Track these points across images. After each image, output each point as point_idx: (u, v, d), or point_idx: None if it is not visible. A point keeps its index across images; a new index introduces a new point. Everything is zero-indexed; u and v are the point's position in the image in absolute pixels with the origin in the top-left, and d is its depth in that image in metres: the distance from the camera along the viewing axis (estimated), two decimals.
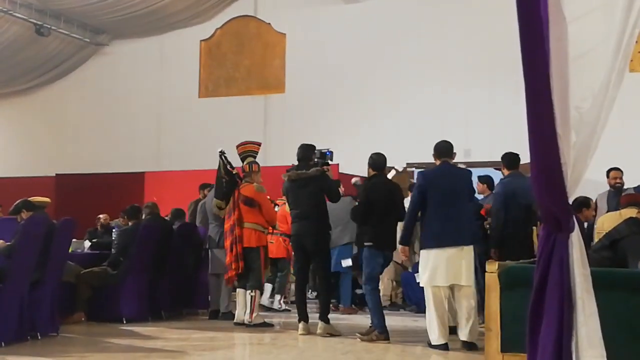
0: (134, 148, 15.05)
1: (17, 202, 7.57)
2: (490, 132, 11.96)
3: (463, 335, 6.38)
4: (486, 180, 8.55)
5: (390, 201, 6.98)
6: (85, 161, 15.03)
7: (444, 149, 6.78)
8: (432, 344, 6.40)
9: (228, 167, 8.10)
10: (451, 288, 6.46)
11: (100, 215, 11.07)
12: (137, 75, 15.53)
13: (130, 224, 8.91)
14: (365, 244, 7.11)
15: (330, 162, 7.83)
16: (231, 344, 6.92)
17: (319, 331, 7.23)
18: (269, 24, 14.62)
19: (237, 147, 8.23)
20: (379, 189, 7.14)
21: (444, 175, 6.64)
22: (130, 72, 15.59)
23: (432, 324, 6.42)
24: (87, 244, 9.95)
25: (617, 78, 2.52)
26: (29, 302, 6.60)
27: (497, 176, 8.58)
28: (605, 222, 6.08)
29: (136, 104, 15.42)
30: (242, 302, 7.90)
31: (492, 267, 3.94)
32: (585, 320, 2.55)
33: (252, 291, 7.80)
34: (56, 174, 14.58)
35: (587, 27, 2.49)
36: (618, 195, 7.99)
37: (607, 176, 8.66)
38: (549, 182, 2.53)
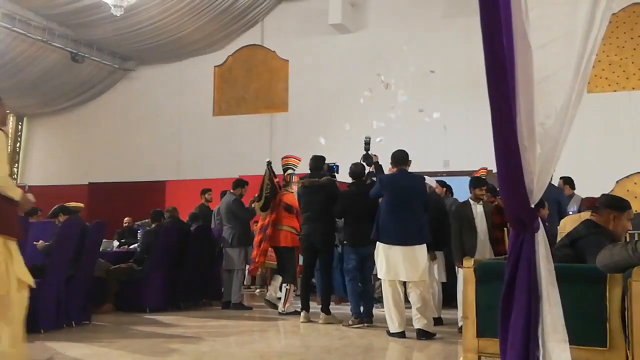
0: (156, 160, 15.04)
1: (55, 207, 7.60)
2: (466, 145, 11.96)
3: (416, 323, 6.23)
4: (444, 185, 8.47)
5: (365, 205, 6.90)
6: (114, 171, 15.02)
7: (399, 158, 6.67)
8: (391, 332, 6.30)
9: (272, 175, 8.15)
10: (405, 282, 6.36)
11: (125, 219, 11.08)
12: (159, 96, 15.53)
13: (153, 225, 8.90)
14: (344, 242, 7.27)
15: (337, 174, 7.85)
16: (241, 331, 6.89)
17: (320, 321, 7.23)
18: (274, 52, 14.64)
19: (282, 159, 8.33)
20: (353, 195, 7.14)
21: (399, 180, 6.55)
22: (154, 93, 15.60)
23: (389, 314, 6.32)
24: (116, 243, 9.94)
25: (577, 98, 2.52)
26: (64, 295, 6.60)
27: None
28: (567, 223, 6.08)
29: (159, 121, 15.42)
30: (277, 285, 8.13)
31: (468, 263, 3.93)
32: (550, 309, 2.54)
33: (287, 285, 7.91)
34: (89, 183, 14.60)
35: (550, 54, 2.49)
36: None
37: None
38: (513, 190, 2.52)
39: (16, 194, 4.20)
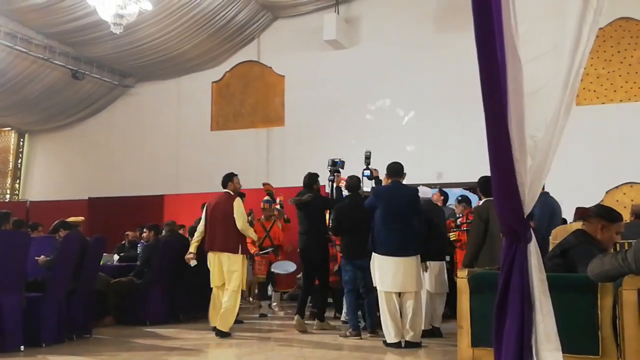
0: (155, 174, 15.01)
1: (56, 222, 7.56)
2: (459, 157, 11.97)
3: (407, 335, 6.20)
4: (443, 193, 8.34)
5: (360, 218, 6.83)
6: (114, 186, 14.98)
7: (394, 170, 6.64)
8: (387, 342, 6.22)
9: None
10: (398, 293, 6.29)
11: (128, 233, 11.02)
12: (158, 112, 15.54)
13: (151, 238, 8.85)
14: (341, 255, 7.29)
15: (341, 169, 7.82)
16: (240, 343, 6.85)
17: (315, 327, 7.32)
18: (270, 67, 14.68)
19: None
20: (349, 208, 7.11)
21: (393, 192, 6.50)
22: (153, 109, 15.61)
23: (386, 325, 6.25)
24: (116, 257, 9.89)
25: (566, 110, 2.52)
26: (66, 309, 6.57)
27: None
28: (558, 233, 6.06)
29: (157, 136, 15.42)
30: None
31: (462, 273, 3.91)
32: (542, 318, 2.53)
33: None
34: (89, 197, 14.54)
35: (539, 68, 2.49)
36: None
37: None
38: (507, 201, 2.52)
39: (254, 235, 7.77)
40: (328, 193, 8.11)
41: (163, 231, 9.03)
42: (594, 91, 11.98)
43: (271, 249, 9.19)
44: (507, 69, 2.36)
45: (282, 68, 14.49)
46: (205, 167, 14.43)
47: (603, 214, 4.02)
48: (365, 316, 7.21)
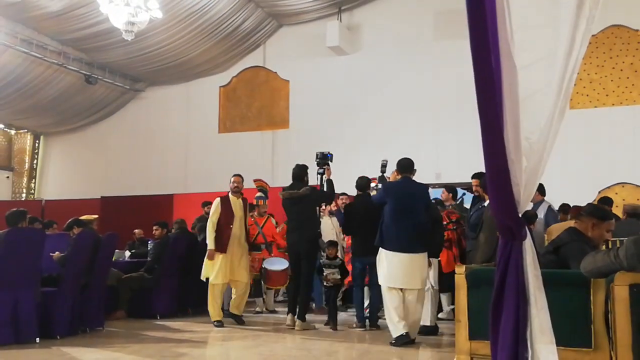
0: (165, 174, 15.04)
1: (70, 220, 7.59)
2: (457, 158, 11.97)
3: (405, 328, 6.02)
4: (452, 190, 8.32)
5: (369, 217, 6.64)
6: (125, 186, 15.01)
7: (404, 166, 6.44)
8: (393, 336, 6.06)
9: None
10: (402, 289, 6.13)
11: (136, 230, 11.04)
12: (168, 115, 15.56)
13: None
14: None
15: (330, 162, 7.54)
16: (246, 336, 6.86)
17: (296, 328, 7.04)
18: (275, 72, 14.69)
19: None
20: (358, 208, 7.04)
21: (403, 188, 6.32)
22: (163, 112, 15.63)
23: (391, 320, 6.10)
24: (127, 253, 9.91)
25: (560, 114, 2.53)
26: (79, 302, 6.59)
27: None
28: (553, 230, 6.07)
29: (167, 138, 15.44)
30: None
31: (460, 269, 3.92)
32: (537, 312, 2.54)
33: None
34: (101, 196, 14.57)
35: (533, 74, 2.50)
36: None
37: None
38: (503, 200, 2.52)
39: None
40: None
41: (172, 229, 9.04)
42: (587, 95, 11.97)
43: (263, 245, 8.95)
44: (502, 75, 2.37)
45: (287, 73, 14.50)
46: (213, 167, 14.45)
47: (594, 212, 4.03)
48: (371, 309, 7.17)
